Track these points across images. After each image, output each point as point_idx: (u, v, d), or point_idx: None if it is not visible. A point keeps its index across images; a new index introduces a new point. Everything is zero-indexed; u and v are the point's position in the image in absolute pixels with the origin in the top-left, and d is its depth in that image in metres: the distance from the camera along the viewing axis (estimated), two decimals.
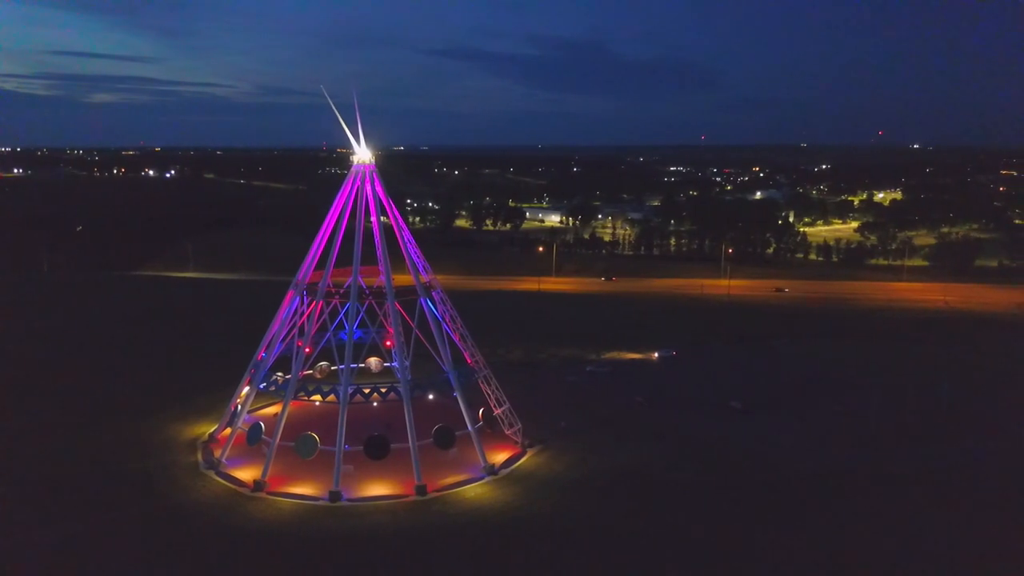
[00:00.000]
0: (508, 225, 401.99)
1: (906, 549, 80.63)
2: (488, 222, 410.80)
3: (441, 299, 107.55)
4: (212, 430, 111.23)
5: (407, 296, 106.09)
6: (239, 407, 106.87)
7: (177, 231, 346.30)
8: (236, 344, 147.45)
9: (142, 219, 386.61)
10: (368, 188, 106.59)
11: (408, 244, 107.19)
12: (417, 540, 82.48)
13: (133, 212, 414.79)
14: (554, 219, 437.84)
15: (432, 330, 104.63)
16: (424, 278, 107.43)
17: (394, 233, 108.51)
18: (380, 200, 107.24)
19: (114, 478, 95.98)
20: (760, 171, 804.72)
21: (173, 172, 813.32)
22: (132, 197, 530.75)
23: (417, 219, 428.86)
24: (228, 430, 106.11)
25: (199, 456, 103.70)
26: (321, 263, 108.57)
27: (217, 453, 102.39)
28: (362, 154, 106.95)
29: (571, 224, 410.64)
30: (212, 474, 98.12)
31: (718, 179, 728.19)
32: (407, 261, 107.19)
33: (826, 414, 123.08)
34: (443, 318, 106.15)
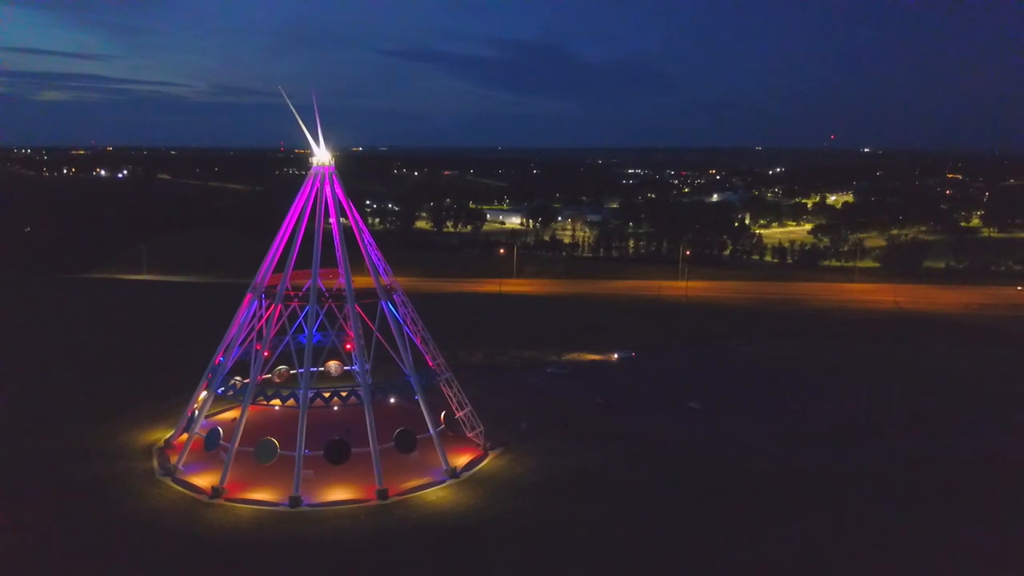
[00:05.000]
0: (469, 227, 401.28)
1: (864, 546, 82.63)
2: (449, 224, 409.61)
3: (402, 302, 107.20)
4: (168, 436, 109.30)
5: (368, 299, 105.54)
6: (196, 412, 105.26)
7: (130, 233, 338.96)
8: (191, 348, 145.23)
9: (94, 220, 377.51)
10: (328, 189, 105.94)
11: (368, 246, 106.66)
12: (379, 544, 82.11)
13: (84, 213, 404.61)
14: (515, 221, 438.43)
15: (393, 333, 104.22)
16: (385, 280, 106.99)
17: (354, 235, 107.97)
18: (340, 201, 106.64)
19: (66, 486, 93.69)
20: (716, 174, 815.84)
21: (126, 172, 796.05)
22: (83, 198, 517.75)
23: (376, 220, 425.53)
24: (185, 436, 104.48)
25: (155, 463, 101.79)
26: (280, 266, 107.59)
27: (174, 459, 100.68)
28: (321, 155, 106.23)
29: (531, 226, 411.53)
30: (169, 481, 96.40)
31: (675, 181, 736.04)
32: (367, 263, 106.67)
33: (782, 413, 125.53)
34: (404, 321, 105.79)
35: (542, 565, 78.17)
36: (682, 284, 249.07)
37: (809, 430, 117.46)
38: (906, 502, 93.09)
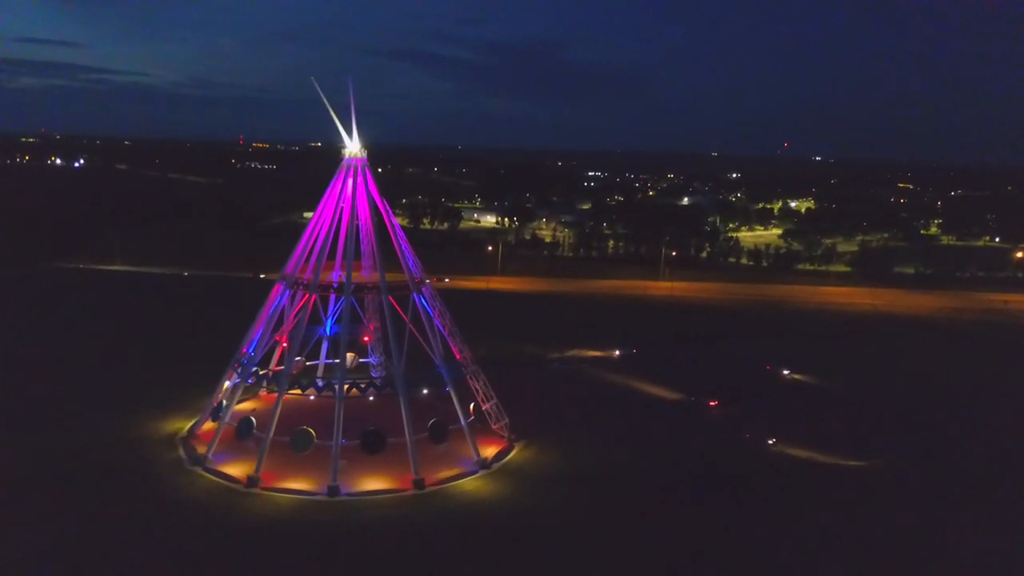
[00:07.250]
0: (445, 224, 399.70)
1: (867, 538, 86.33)
2: (425, 221, 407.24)
3: (431, 295, 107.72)
4: (190, 425, 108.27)
5: (399, 291, 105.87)
6: (223, 402, 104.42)
7: (90, 223, 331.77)
8: (192, 339, 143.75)
9: (50, 210, 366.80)
10: (360, 181, 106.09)
11: (400, 240, 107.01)
12: (422, 533, 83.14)
13: (38, 203, 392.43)
14: (490, 220, 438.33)
15: (425, 326, 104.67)
16: (416, 274, 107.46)
17: (385, 229, 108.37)
18: (371, 194, 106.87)
19: (96, 476, 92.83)
20: (675, 178, 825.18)
21: (83, 161, 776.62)
22: (37, 187, 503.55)
23: None
24: (212, 424, 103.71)
25: (181, 452, 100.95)
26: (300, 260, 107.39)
27: (201, 449, 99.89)
28: (352, 147, 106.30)
29: (509, 225, 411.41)
30: (199, 470, 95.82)
31: (637, 184, 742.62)
32: (399, 257, 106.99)
33: (787, 410, 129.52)
34: (434, 314, 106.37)
35: (582, 556, 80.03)
36: (666, 284, 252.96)
37: (811, 426, 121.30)
38: (912, 498, 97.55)
